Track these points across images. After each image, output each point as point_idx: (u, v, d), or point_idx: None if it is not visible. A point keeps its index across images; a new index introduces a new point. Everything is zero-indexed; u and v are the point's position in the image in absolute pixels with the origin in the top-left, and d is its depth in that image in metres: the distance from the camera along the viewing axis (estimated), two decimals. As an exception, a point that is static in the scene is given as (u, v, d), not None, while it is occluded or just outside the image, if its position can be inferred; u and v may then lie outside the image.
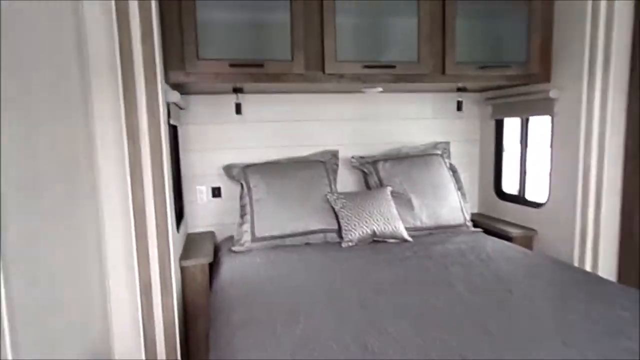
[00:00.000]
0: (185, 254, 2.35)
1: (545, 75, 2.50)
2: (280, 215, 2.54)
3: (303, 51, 2.23)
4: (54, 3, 1.47)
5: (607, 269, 2.40)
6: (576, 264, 2.37)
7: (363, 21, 2.46)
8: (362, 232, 2.52)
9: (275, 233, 2.52)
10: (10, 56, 1.10)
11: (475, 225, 2.88)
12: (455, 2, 2.37)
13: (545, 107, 2.52)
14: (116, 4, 1.73)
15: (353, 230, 2.52)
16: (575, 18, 2.31)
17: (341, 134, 2.96)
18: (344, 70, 2.30)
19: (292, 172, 2.69)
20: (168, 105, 2.08)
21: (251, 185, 2.61)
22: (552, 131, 2.52)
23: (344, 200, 2.62)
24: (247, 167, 2.70)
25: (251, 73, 2.19)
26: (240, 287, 1.96)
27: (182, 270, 2.25)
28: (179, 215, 2.50)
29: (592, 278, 1.97)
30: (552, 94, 2.43)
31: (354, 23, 2.41)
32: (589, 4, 2.23)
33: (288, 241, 2.54)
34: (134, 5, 1.75)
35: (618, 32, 2.25)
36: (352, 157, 2.93)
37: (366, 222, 2.55)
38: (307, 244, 2.56)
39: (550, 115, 2.51)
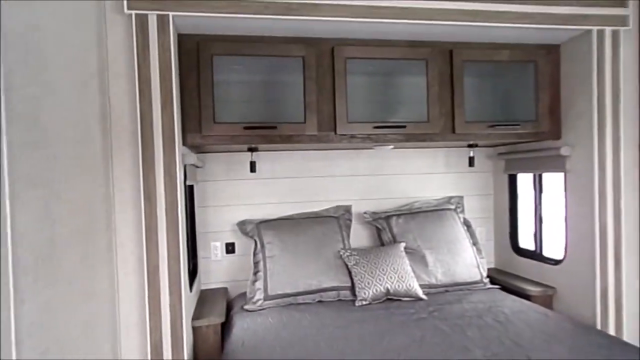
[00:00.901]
0: (198, 312, 2.34)
1: (555, 133, 2.52)
2: (293, 273, 2.53)
3: (315, 113, 2.30)
4: (81, 73, 1.57)
5: (632, 331, 2.30)
6: (599, 326, 2.28)
7: (373, 81, 2.56)
8: (376, 290, 2.48)
9: (288, 291, 2.50)
10: (39, 132, 1.17)
11: (492, 282, 2.82)
12: (464, 62, 2.45)
13: (557, 163, 2.52)
14: (139, 73, 1.85)
15: (367, 288, 2.49)
16: (581, 77, 2.36)
17: (354, 189, 2.99)
18: (355, 130, 2.36)
19: (305, 228, 2.71)
20: (185, 166, 2.15)
21: (265, 242, 2.62)
22: (566, 187, 2.51)
23: (357, 257, 2.60)
24: (261, 223, 2.73)
25: (264, 135, 2.26)
26: (251, 352, 1.93)
27: (194, 330, 2.23)
28: (193, 272, 2.51)
29: (615, 342, 1.89)
30: (563, 151, 2.44)
31: (364, 84, 2.51)
32: (594, 62, 2.28)
33: (301, 299, 2.51)
34: (156, 76, 1.86)
35: (625, 89, 2.29)
36: (365, 213, 2.94)
37: (380, 279, 2.52)
38: (320, 301, 2.52)
39: (562, 172, 2.51)
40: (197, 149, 2.47)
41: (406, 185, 3.07)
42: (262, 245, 2.61)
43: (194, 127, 2.20)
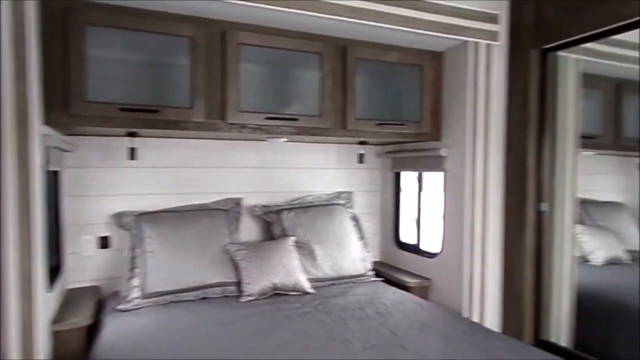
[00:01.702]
0: (60, 315, 2.07)
1: (436, 135, 2.70)
2: (175, 268, 2.37)
3: (203, 99, 2.17)
4: None
5: (492, 319, 2.56)
6: (466, 314, 2.49)
7: (267, 71, 2.50)
8: (263, 286, 2.43)
9: (169, 288, 2.34)
10: None
11: (376, 275, 2.94)
12: (357, 60, 2.50)
13: (437, 163, 2.71)
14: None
15: (253, 283, 2.42)
16: (459, 84, 2.55)
17: (245, 182, 2.90)
18: (246, 120, 2.28)
19: (190, 221, 2.55)
20: (49, 149, 1.88)
21: (144, 236, 2.42)
22: (444, 186, 2.70)
23: (244, 252, 2.53)
24: (141, 216, 2.51)
25: (145, 119, 2.07)
26: (120, 355, 1.75)
27: (55, 335, 1.96)
28: (56, 269, 2.22)
29: (478, 329, 2.07)
30: (442, 152, 2.62)
31: (258, 72, 2.43)
32: (471, 72, 2.47)
33: (183, 296, 2.36)
34: (6, 40, 1.58)
35: (495, 99, 2.52)
36: (256, 206, 2.87)
37: (267, 274, 2.47)
38: (204, 298, 2.40)
39: (441, 171, 2.69)
40: (66, 130, 2.17)
41: (298, 179, 3.06)
42: (141, 239, 2.40)
43: (59, 105, 1.93)
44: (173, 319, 2.12)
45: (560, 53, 2.47)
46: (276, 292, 2.48)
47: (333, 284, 2.71)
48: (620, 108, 3.20)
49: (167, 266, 2.36)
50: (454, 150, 2.61)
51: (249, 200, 2.88)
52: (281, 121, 2.35)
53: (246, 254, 2.51)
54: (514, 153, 2.58)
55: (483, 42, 2.46)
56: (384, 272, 3.03)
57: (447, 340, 1.93)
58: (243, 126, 2.28)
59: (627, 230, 3.71)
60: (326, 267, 2.72)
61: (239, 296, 2.42)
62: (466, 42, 2.45)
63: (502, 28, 2.52)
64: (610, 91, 3.17)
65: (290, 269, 2.53)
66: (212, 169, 2.82)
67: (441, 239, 2.74)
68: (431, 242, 2.96)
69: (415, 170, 3.02)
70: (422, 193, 3.04)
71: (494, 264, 2.59)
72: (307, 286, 2.54)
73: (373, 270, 2.93)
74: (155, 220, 2.49)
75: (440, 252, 2.74)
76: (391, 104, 2.72)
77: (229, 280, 2.46)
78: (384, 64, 2.59)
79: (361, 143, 2.95)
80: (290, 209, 2.88)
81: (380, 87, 2.71)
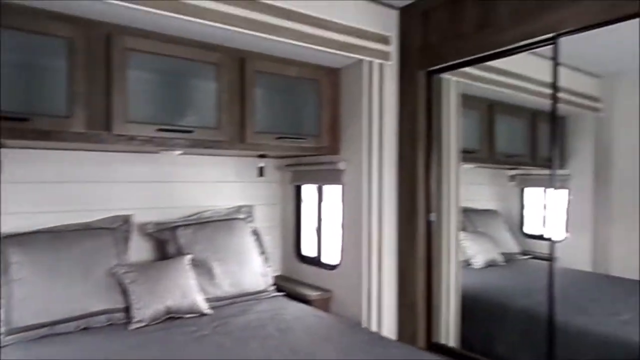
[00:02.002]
0: None
1: (334, 148, 2.77)
2: (50, 297, 2.09)
3: (84, 107, 1.96)
4: None
5: (390, 326, 2.66)
6: (365, 324, 2.56)
7: (160, 80, 2.35)
8: (156, 310, 2.25)
9: (42, 320, 2.05)
10: None
11: (278, 290, 2.89)
12: (255, 72, 2.46)
13: (335, 177, 2.77)
14: None
15: (144, 308, 2.23)
16: (355, 100, 2.65)
17: (136, 198, 2.68)
18: (136, 131, 2.11)
19: (69, 243, 2.28)
20: None
21: (10, 261, 2.10)
22: (342, 198, 2.76)
23: (134, 274, 2.32)
24: (6, 238, 2.18)
25: (12, 128, 1.81)
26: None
27: None
28: None
29: (375, 338, 2.14)
30: (340, 166, 2.69)
31: (149, 81, 2.28)
32: (365, 89, 2.58)
33: (60, 328, 2.09)
34: None
35: (388, 115, 2.66)
36: (148, 224, 2.66)
37: (161, 297, 2.29)
38: (86, 329, 2.15)
39: (340, 184, 2.76)
40: None
41: (196, 193, 2.91)
42: (6, 266, 2.08)
43: None
44: (47, 356, 1.85)
45: (444, 75, 2.70)
46: (170, 315, 2.31)
47: (233, 303, 2.61)
48: (493, 126, 3.58)
49: (39, 295, 2.07)
50: (352, 163, 2.69)
51: (140, 218, 2.66)
52: (175, 133, 2.22)
53: (136, 276, 2.31)
54: (405, 166, 2.73)
55: (376, 61, 2.58)
56: (286, 287, 3.00)
57: (346, 352, 1.95)
58: (132, 138, 2.10)
59: (500, 235, 4.15)
60: (226, 285, 2.61)
61: (127, 323, 2.21)
62: (361, 60, 2.56)
63: (393, 49, 2.67)
64: (485, 111, 3.55)
65: (186, 289, 2.38)
66: (98, 184, 2.55)
67: (340, 250, 2.80)
68: (332, 254, 3.00)
69: (315, 183, 3.06)
70: (322, 206, 3.08)
71: (389, 273, 2.71)
72: (204, 307, 2.41)
73: (274, 285, 2.88)
74: (24, 244, 2.18)
75: (340, 263, 2.80)
76: (291, 118, 2.73)
77: (116, 307, 2.24)
78: (283, 77, 2.60)
79: (261, 156, 2.91)
80: (186, 225, 2.73)
81: (280, 101, 2.70)
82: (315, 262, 3.07)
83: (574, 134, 4.01)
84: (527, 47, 2.21)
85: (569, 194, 4.07)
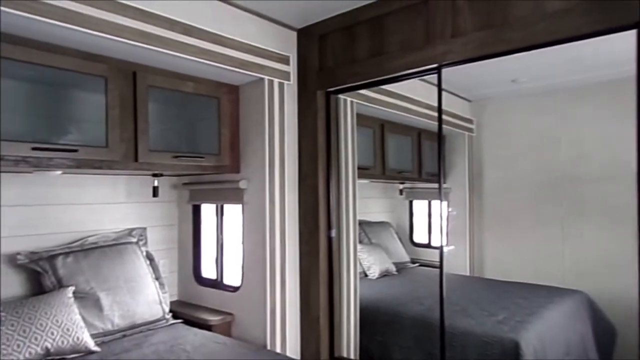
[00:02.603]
0: None
1: (235, 167, 2.71)
2: None
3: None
4: None
5: (294, 345, 2.66)
6: (270, 346, 2.52)
7: (36, 92, 2.08)
8: (31, 354, 1.96)
9: None
10: None
11: (175, 316, 2.72)
12: (149, 87, 2.31)
13: (236, 196, 2.71)
14: None
15: (16, 353, 1.93)
16: (256, 118, 2.63)
17: (3, 224, 2.32)
18: (5, 151, 1.83)
19: None
20: None
21: None
22: (243, 218, 2.71)
23: (2, 314, 2.00)
24: None
25: None
26: None
27: None
28: None
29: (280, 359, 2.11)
30: (241, 185, 2.64)
31: (22, 93, 2.00)
32: (266, 107, 2.57)
33: None
34: None
35: (288, 134, 2.69)
36: (19, 254, 2.32)
37: (36, 338, 2.00)
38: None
39: (241, 203, 2.70)
40: None
41: (79, 216, 2.62)
42: None
43: None
44: None
45: (341, 96, 2.81)
46: (50, 358, 2.03)
47: (125, 336, 2.38)
48: (385, 144, 3.83)
49: None
50: (253, 182, 2.65)
51: (9, 247, 2.31)
52: (55, 152, 1.98)
53: (5, 317, 1.99)
54: (307, 184, 2.78)
55: (277, 80, 2.60)
56: (184, 313, 2.84)
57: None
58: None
59: (393, 245, 4.43)
60: (116, 317, 2.38)
61: (-8, 374, 1.89)
62: (262, 78, 2.56)
63: (293, 69, 2.72)
64: (378, 129, 3.78)
65: (68, 326, 2.12)
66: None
67: (241, 271, 2.73)
68: (233, 275, 2.92)
69: (214, 203, 2.95)
70: (223, 225, 2.99)
71: (292, 291, 2.72)
72: (91, 344, 2.16)
73: (171, 312, 2.71)
74: None
75: (242, 285, 2.73)
76: (189, 136, 2.61)
77: (-22, 356, 1.90)
78: (180, 93, 2.48)
79: (155, 175, 2.73)
80: (67, 254, 2.43)
81: (177, 118, 2.57)
82: (216, 284, 2.96)
83: (452, 151, 4.46)
84: (415, 75, 2.41)
85: (449, 205, 4.51)
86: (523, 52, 2.00)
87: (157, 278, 2.70)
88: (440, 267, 2.41)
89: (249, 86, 2.66)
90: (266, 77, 2.55)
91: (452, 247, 4.41)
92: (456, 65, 2.20)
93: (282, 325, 2.60)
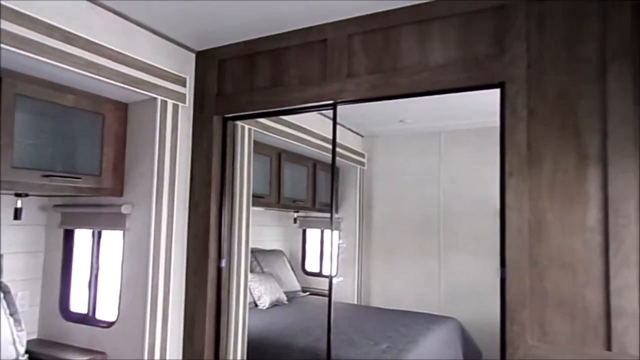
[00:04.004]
0: None
1: (117, 190, 2.49)
2: None
3: None
4: None
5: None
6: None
7: None
8: None
9: None
10: None
11: (33, 358, 2.36)
12: (17, 96, 2.05)
13: (118, 221, 2.48)
14: None
15: None
16: (145, 139, 2.46)
17: None
18: None
19: None
20: None
21: None
22: (124, 246, 2.49)
23: None
24: None
25: None
26: None
27: None
28: None
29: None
30: (124, 210, 2.43)
31: None
32: (157, 128, 2.42)
33: None
34: None
35: (180, 158, 2.56)
36: None
37: None
38: None
39: (122, 230, 2.48)
40: None
41: None
42: None
43: None
44: None
45: (239, 122, 2.78)
46: None
47: (-38, 386, 2.00)
48: (281, 173, 3.86)
49: None
50: (138, 207, 2.46)
51: None
52: None
53: None
54: (197, 211, 2.66)
55: (171, 101, 2.49)
56: (45, 353, 2.47)
57: None
58: None
59: (285, 274, 4.42)
60: (-48, 364, 1.99)
61: None
62: (154, 98, 2.42)
63: (189, 92, 2.63)
64: (275, 158, 3.80)
65: None
66: None
67: (118, 304, 2.48)
68: (108, 309, 2.64)
69: (90, 228, 2.67)
70: (100, 253, 2.70)
71: (177, 325, 2.54)
72: None
73: (28, 352, 2.34)
74: None
75: (117, 319, 2.47)
76: (66, 153, 2.34)
77: None
78: (57, 106, 2.23)
79: (18, 195, 2.39)
80: None
81: (52, 132, 2.28)
82: (87, 319, 2.64)
83: (345, 183, 4.66)
84: (312, 109, 2.48)
85: (340, 235, 4.67)
86: (408, 97, 2.17)
87: (12, 314, 2.33)
88: (329, 297, 2.45)
89: (140, 105, 2.50)
90: (159, 97, 2.42)
91: (341, 279, 4.54)
92: (350, 103, 2.31)
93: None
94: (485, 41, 1.98)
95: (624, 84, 1.69)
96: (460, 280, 4.06)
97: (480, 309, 3.66)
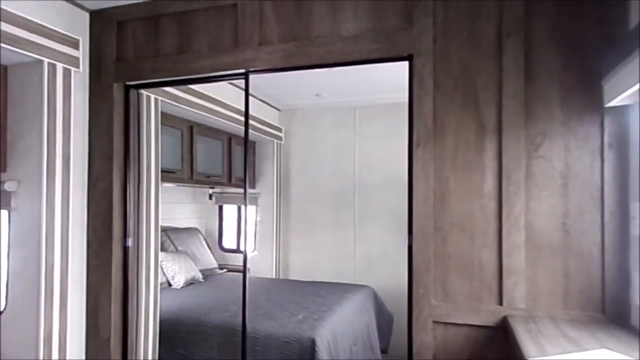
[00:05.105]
0: None
1: (0, 165, 2.20)
2: None
3: None
4: None
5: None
6: (43, 376, 2.11)
7: None
8: None
9: None
10: None
11: None
12: None
13: (1, 200, 2.20)
14: None
15: None
16: (31, 108, 2.18)
17: None
18: None
19: None
20: None
21: None
22: (9, 227, 2.22)
23: None
24: None
25: None
26: None
27: None
28: None
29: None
30: (8, 186, 2.15)
31: None
32: (45, 96, 2.15)
33: None
34: None
35: (75, 130, 2.32)
36: None
37: None
38: None
39: (7, 209, 2.21)
40: None
41: None
42: None
43: None
44: None
45: (143, 91, 2.57)
46: None
47: None
48: (193, 147, 3.68)
49: None
50: (26, 184, 2.19)
51: None
52: None
53: None
54: (97, 188, 2.45)
55: (60, 64, 2.21)
56: None
57: None
58: None
59: (200, 252, 4.29)
60: None
61: None
62: (39, 60, 2.13)
63: (83, 56, 2.37)
64: (186, 131, 3.61)
65: None
66: None
67: (5, 293, 2.23)
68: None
69: (-32, 209, 2.34)
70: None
71: (78, 313, 2.36)
72: None
73: None
74: None
75: (5, 309, 2.22)
76: None
77: None
78: None
79: None
80: None
81: None
82: (-32, 311, 2.34)
83: (262, 157, 4.59)
84: (223, 78, 2.37)
85: (257, 210, 4.62)
86: (322, 67, 2.15)
87: None
88: (244, 272, 2.41)
89: (22, 68, 2.19)
90: (46, 60, 2.14)
91: (255, 253, 4.51)
92: (263, 72, 2.24)
93: (62, 351, 2.20)
94: (395, 14, 2.00)
95: (517, 60, 1.82)
96: (374, 251, 4.24)
97: (392, 276, 3.86)
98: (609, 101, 1.64)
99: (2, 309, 2.23)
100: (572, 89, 1.76)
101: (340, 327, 2.85)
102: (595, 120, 1.73)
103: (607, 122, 1.71)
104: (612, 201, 1.70)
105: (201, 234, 4.58)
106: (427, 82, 1.93)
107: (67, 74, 2.26)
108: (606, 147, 1.71)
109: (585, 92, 1.74)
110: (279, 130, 4.56)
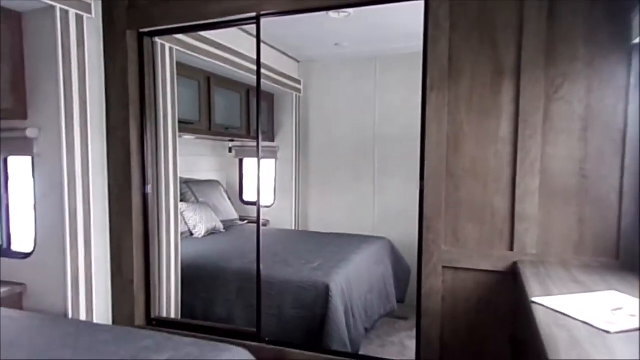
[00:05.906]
0: None
1: (20, 112, 2.25)
2: None
3: None
4: None
5: (103, 311, 2.44)
6: (71, 315, 2.25)
7: None
8: None
9: None
10: None
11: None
12: None
13: (24, 146, 2.27)
14: None
15: None
16: (47, 54, 2.20)
17: None
18: None
19: None
20: None
21: None
22: (34, 173, 2.31)
23: None
24: None
25: None
26: None
27: None
28: None
29: (84, 328, 1.90)
30: (29, 133, 2.22)
31: None
32: (59, 42, 2.16)
33: None
34: None
35: (91, 77, 2.34)
36: None
37: None
38: None
39: (30, 155, 2.29)
40: None
41: None
42: None
43: None
44: None
45: (158, 40, 2.56)
46: None
47: None
48: (211, 98, 3.68)
49: None
50: (47, 131, 2.26)
51: None
52: None
53: None
54: (116, 136, 2.50)
55: (72, 10, 2.21)
56: (-44, 289, 2.33)
57: (46, 351, 1.67)
58: None
59: (221, 204, 4.38)
60: None
61: None
62: (52, 7, 2.13)
63: (95, 1, 2.35)
64: (204, 82, 3.60)
65: None
66: None
67: (34, 235, 2.35)
68: (24, 240, 2.49)
69: (-5, 155, 2.44)
70: (8, 182, 2.50)
71: (103, 254, 2.48)
72: None
73: (-64, 289, 2.20)
74: None
75: (34, 250, 2.35)
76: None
77: None
78: None
79: None
80: None
81: None
82: (2, 252, 2.49)
83: (281, 110, 4.56)
84: (234, 23, 2.32)
85: (276, 163, 4.65)
86: (336, 9, 2.09)
87: None
88: (258, 222, 2.46)
89: (35, 14, 2.20)
90: (58, 5, 2.13)
91: (276, 202, 4.57)
92: (275, 16, 2.18)
93: (88, 291, 2.33)
94: (411, -51, 1.89)
95: (540, -3, 1.70)
96: (392, 204, 4.23)
97: (411, 229, 3.85)
98: (637, 37, 1.53)
99: (32, 250, 2.36)
100: (598, 25, 1.64)
101: (355, 275, 2.90)
102: (622, 58, 1.62)
103: (634, 61, 1.60)
104: (634, 145, 1.62)
105: (222, 186, 4.66)
106: (442, 23, 1.84)
107: (79, 20, 2.25)
108: (632, 87, 1.61)
109: (612, 27, 1.63)
110: (298, 82, 4.49)
